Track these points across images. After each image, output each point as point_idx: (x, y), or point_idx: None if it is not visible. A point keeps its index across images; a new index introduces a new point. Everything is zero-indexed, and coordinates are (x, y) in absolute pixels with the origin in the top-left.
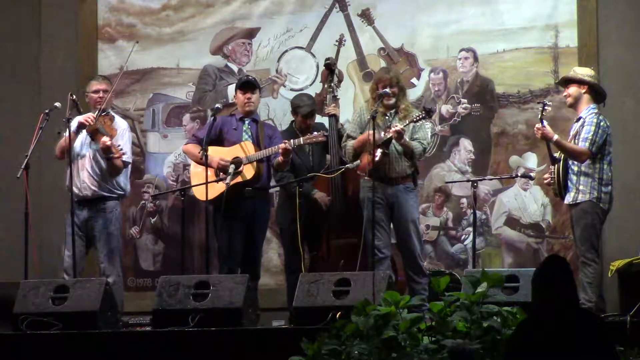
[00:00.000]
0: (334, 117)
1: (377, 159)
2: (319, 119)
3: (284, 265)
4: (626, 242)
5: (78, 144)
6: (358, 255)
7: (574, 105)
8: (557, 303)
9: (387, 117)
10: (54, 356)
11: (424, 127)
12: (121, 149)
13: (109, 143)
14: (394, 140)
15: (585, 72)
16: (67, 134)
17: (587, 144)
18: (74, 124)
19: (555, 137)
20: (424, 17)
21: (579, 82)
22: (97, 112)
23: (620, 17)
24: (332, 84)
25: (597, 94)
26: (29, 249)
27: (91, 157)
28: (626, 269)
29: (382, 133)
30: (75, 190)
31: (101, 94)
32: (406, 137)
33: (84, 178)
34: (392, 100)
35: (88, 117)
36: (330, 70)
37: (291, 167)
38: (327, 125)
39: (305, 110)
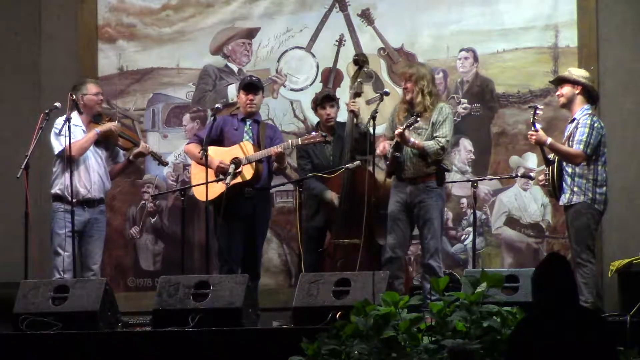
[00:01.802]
0: (352, 113)
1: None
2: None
3: (299, 264)
4: (626, 242)
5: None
6: (364, 253)
7: (567, 105)
8: (557, 301)
9: (410, 115)
10: (54, 356)
11: (446, 124)
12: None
13: (151, 149)
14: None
15: (580, 74)
16: (67, 134)
17: (581, 147)
18: (69, 122)
19: (549, 140)
20: (424, 17)
21: (574, 82)
22: (117, 119)
23: (620, 17)
24: (357, 81)
25: (590, 95)
26: (29, 249)
27: (99, 160)
28: (626, 269)
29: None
30: (83, 191)
31: (100, 97)
32: (414, 140)
33: (95, 180)
34: (408, 96)
35: (116, 124)
36: (358, 66)
37: (311, 168)
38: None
39: (318, 98)
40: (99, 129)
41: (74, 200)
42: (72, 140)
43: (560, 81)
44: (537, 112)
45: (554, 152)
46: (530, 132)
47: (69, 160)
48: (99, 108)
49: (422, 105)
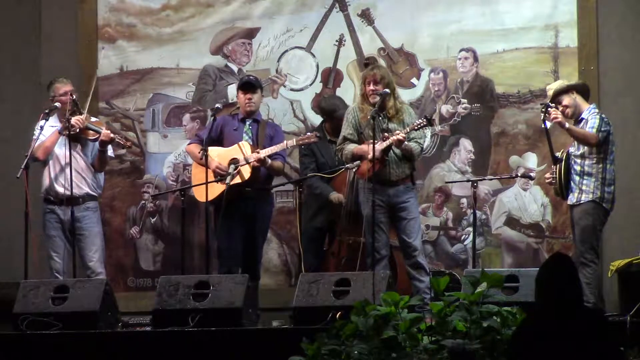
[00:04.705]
0: None
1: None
2: None
3: (299, 264)
4: (626, 242)
5: (56, 145)
6: (364, 254)
7: (575, 112)
8: (561, 301)
9: (381, 119)
10: (54, 356)
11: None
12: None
13: (112, 135)
14: (393, 146)
15: (561, 82)
16: (68, 134)
17: (594, 131)
18: (46, 131)
19: (567, 124)
20: (424, 17)
21: (567, 90)
22: (83, 113)
23: (620, 17)
24: None
25: (584, 93)
26: (29, 249)
27: (76, 157)
28: (626, 269)
29: (381, 140)
30: (60, 189)
31: (69, 95)
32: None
33: (73, 177)
34: (376, 98)
35: (78, 118)
36: None
37: (315, 167)
38: None
39: (341, 114)
40: (60, 126)
41: (57, 199)
42: (41, 142)
43: (555, 97)
44: (549, 110)
45: (570, 135)
46: (553, 114)
47: (41, 162)
48: (69, 106)
49: (394, 108)
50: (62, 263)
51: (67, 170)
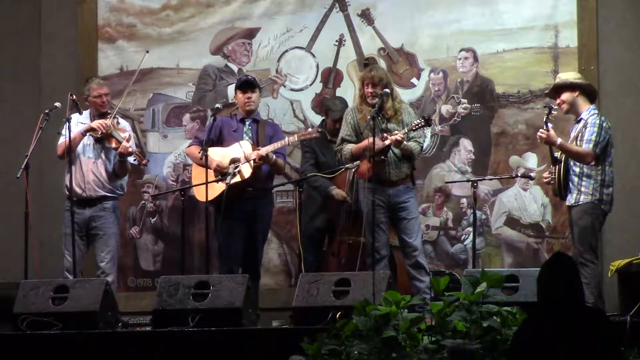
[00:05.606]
0: None
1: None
2: None
3: (299, 264)
4: (626, 242)
5: (80, 145)
6: (363, 253)
7: (571, 110)
8: (562, 300)
9: (380, 119)
10: (54, 356)
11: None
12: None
13: (130, 150)
14: (392, 146)
15: (574, 76)
16: (67, 134)
17: (591, 146)
18: (74, 125)
19: (559, 141)
20: (424, 17)
21: (571, 87)
22: (110, 117)
23: (620, 17)
24: None
25: (589, 94)
26: (29, 249)
27: (97, 159)
28: (626, 269)
29: (380, 140)
30: (78, 190)
31: (103, 98)
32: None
33: (89, 179)
34: (375, 100)
35: (102, 123)
36: (368, 69)
37: (316, 166)
38: None
39: (336, 115)
40: (84, 128)
41: (75, 199)
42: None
43: (557, 89)
44: (552, 112)
45: (563, 152)
46: (541, 131)
47: (68, 160)
48: (102, 109)
49: (393, 108)
50: (72, 262)
51: (86, 172)
